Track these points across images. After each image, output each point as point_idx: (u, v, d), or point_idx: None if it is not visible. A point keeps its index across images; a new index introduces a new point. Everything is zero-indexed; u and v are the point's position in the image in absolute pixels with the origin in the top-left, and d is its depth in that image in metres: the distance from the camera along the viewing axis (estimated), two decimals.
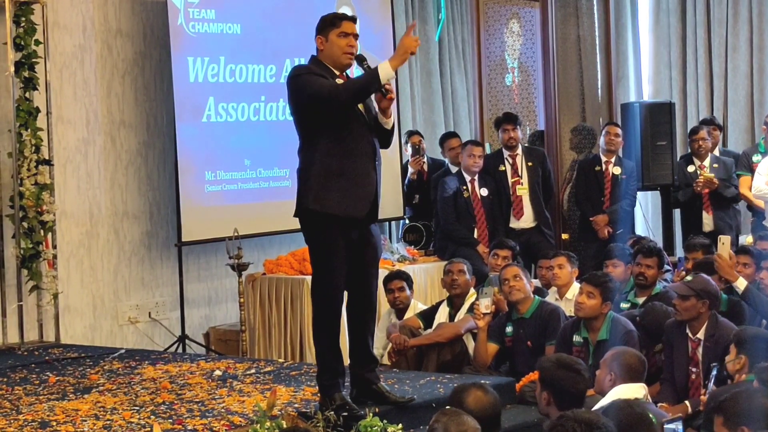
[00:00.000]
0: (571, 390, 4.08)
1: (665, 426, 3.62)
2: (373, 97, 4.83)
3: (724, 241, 6.02)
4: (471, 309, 6.40)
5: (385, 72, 4.65)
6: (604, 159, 8.64)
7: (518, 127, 8.40)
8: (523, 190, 8.33)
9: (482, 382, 4.23)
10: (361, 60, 4.86)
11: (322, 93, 4.67)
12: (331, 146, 4.74)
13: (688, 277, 5.47)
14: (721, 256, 5.99)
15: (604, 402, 4.29)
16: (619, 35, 10.54)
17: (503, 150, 8.45)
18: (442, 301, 6.80)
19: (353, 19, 4.89)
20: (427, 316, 6.71)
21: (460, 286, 6.64)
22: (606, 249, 7.27)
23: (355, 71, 5.25)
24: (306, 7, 8.20)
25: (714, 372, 4.91)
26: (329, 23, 4.84)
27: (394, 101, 4.86)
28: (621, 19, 10.60)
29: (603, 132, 8.72)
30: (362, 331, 4.95)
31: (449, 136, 8.90)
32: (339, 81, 4.81)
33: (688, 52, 10.49)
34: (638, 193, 9.37)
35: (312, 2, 8.25)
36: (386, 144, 5.01)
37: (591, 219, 8.53)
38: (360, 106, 4.82)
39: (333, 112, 4.70)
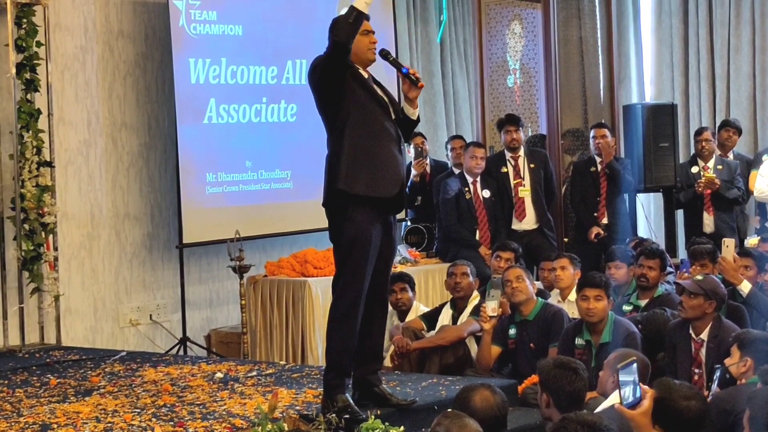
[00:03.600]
0: (568, 389, 4.06)
1: (619, 370, 3.60)
2: (401, 87, 4.93)
3: (729, 244, 6.01)
4: (474, 311, 6.40)
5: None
6: (598, 160, 8.64)
7: (520, 128, 8.39)
8: (525, 192, 8.32)
9: (489, 382, 4.23)
10: (385, 54, 4.95)
11: (326, 54, 4.72)
12: (358, 130, 4.76)
13: (699, 276, 5.46)
14: (726, 259, 5.97)
15: (606, 404, 4.28)
16: (621, 36, 10.53)
17: (505, 151, 8.44)
18: (446, 303, 6.79)
19: (368, 18, 4.93)
20: (431, 317, 6.70)
21: (463, 288, 6.62)
22: (608, 251, 7.26)
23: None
24: (307, 8, 8.21)
25: (717, 373, 4.89)
26: None
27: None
28: (623, 21, 10.59)
29: (591, 135, 8.73)
30: (370, 329, 4.92)
31: (453, 138, 8.91)
32: (363, 74, 4.86)
33: (690, 54, 10.48)
34: (640, 194, 9.36)
35: (313, 4, 8.26)
36: (408, 136, 5.07)
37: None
38: (384, 97, 4.87)
39: (341, 64, 4.72)
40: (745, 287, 5.92)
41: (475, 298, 6.60)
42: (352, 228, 4.74)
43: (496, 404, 3.87)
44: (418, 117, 4.99)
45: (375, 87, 4.89)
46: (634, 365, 3.63)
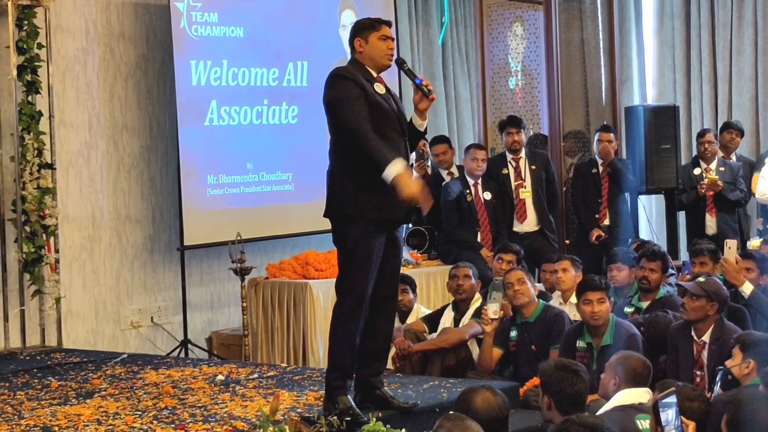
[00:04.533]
0: (569, 391, 4.06)
1: (660, 401, 3.59)
2: (411, 97, 4.92)
3: (731, 245, 6.00)
4: (476, 314, 6.39)
5: (388, 174, 4.57)
6: (599, 161, 8.63)
7: (522, 130, 8.39)
8: (526, 194, 8.31)
9: (491, 385, 4.23)
10: (401, 63, 5.01)
11: (348, 121, 4.69)
12: None
13: (701, 278, 5.46)
14: (728, 260, 5.97)
15: (607, 407, 4.27)
16: (623, 38, 10.51)
17: (506, 153, 8.43)
18: (447, 305, 6.79)
19: (390, 24, 4.97)
20: (432, 319, 6.69)
21: (465, 290, 6.62)
22: (609, 253, 7.25)
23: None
24: (309, 10, 8.21)
25: (720, 375, 4.88)
26: (369, 27, 4.90)
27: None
28: (625, 22, 10.57)
29: (596, 138, 8.71)
30: (374, 331, 4.90)
31: (435, 142, 8.60)
32: (378, 86, 4.83)
33: (693, 55, 10.46)
34: (642, 196, 9.36)
35: (315, 5, 8.26)
36: (414, 147, 5.10)
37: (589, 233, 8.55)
38: (396, 113, 4.86)
39: (343, 134, 4.72)
40: (747, 289, 5.91)
41: (477, 301, 6.59)
42: (356, 230, 4.74)
43: (498, 406, 3.87)
44: (425, 128, 4.99)
45: (390, 102, 4.86)
46: (673, 395, 3.63)
